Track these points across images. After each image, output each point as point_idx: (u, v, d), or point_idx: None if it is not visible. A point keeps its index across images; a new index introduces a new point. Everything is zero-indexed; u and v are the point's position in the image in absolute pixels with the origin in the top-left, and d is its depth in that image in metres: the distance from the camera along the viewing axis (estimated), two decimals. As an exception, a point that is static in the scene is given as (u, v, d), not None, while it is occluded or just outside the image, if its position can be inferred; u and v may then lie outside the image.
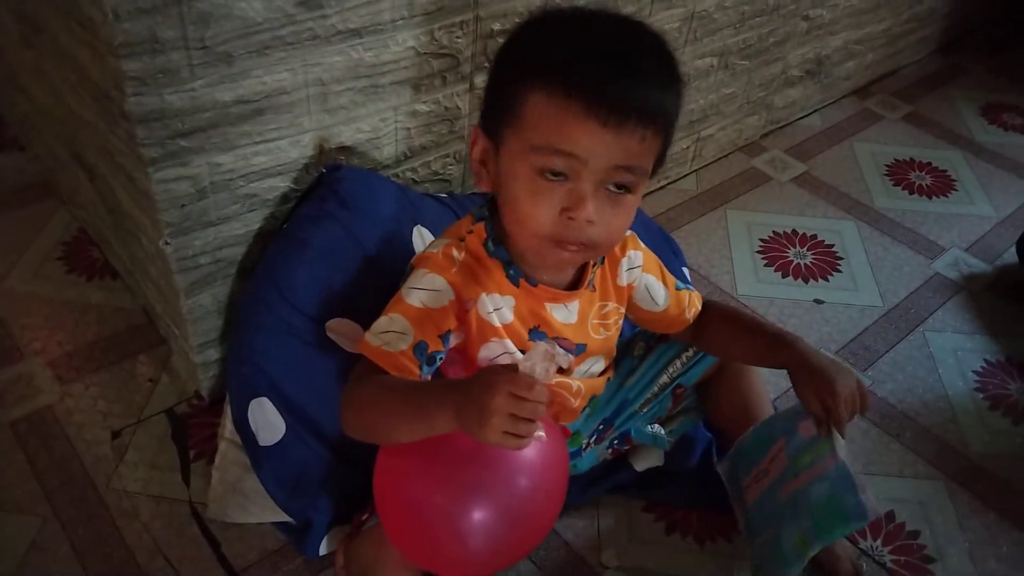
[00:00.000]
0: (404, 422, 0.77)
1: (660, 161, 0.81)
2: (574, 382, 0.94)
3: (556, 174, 0.75)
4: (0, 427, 1.11)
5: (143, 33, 0.82)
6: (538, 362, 0.69)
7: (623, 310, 0.97)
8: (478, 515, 0.77)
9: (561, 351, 0.70)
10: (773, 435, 0.98)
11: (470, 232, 0.87)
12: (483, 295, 0.85)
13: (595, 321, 0.93)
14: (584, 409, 1.00)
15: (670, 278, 0.99)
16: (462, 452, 0.78)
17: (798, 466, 0.93)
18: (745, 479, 1.01)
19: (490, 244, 0.86)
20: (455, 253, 0.86)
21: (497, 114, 0.79)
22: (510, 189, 0.79)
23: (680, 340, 1.04)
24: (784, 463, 0.95)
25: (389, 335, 0.82)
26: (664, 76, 0.77)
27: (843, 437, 0.90)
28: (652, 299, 0.97)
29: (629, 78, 0.73)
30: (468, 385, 0.72)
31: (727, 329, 0.99)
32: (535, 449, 0.80)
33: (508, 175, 0.79)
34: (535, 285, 0.87)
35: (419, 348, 0.82)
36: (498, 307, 0.86)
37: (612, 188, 0.77)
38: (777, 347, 0.93)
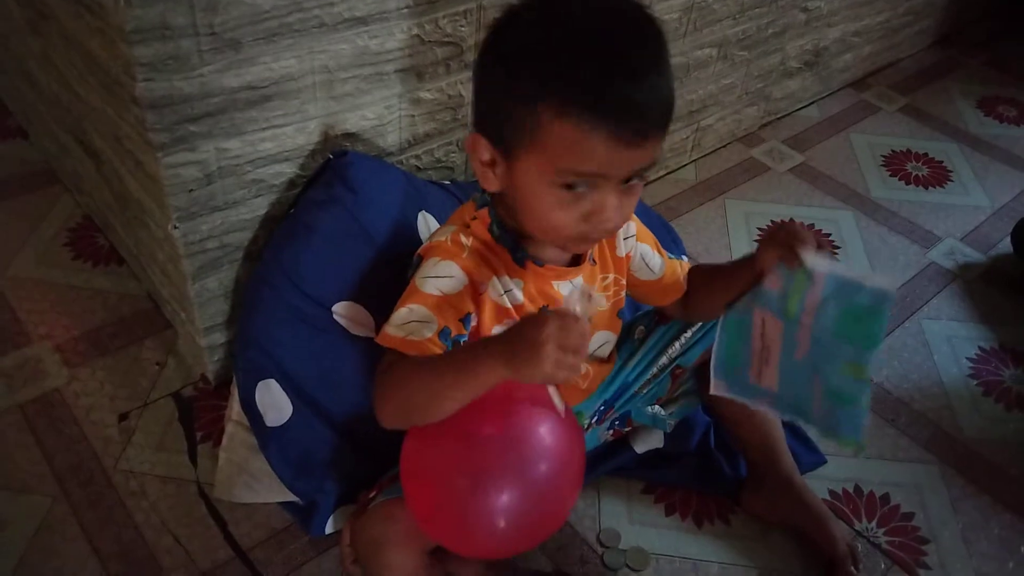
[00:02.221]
0: (447, 385, 0.77)
1: None
2: (582, 364, 0.96)
3: (578, 187, 0.77)
4: (9, 410, 1.13)
5: (154, 19, 0.83)
6: (576, 301, 0.73)
7: (623, 281, 0.99)
8: (506, 497, 0.78)
9: (595, 292, 0.75)
10: (744, 319, 0.93)
11: (474, 218, 0.89)
12: (494, 278, 0.87)
13: (599, 292, 0.95)
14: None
15: (662, 250, 1.01)
16: (490, 435, 0.79)
17: (792, 316, 0.88)
18: (750, 372, 0.94)
19: (495, 229, 0.87)
20: (463, 239, 0.87)
21: (506, 131, 0.78)
22: (530, 200, 0.80)
23: (674, 315, 1.06)
24: (779, 327, 0.90)
25: (412, 325, 0.83)
26: (668, 77, 0.77)
27: (812, 252, 0.85)
28: (649, 268, 0.99)
29: (645, 96, 0.74)
30: (513, 329, 0.74)
31: (703, 284, 1.01)
32: (559, 436, 0.81)
33: (526, 188, 0.79)
34: (541, 265, 0.89)
35: (443, 334, 0.82)
36: (508, 289, 0.88)
37: (624, 182, 0.79)
38: (739, 267, 0.93)
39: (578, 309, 0.72)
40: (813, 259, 0.85)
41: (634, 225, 0.98)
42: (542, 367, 0.71)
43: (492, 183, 0.83)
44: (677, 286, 1.01)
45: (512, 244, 0.87)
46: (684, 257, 1.03)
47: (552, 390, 0.80)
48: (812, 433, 0.90)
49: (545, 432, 0.81)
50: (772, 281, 0.88)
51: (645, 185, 0.85)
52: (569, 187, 0.77)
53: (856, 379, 0.86)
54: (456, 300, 0.84)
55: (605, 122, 0.72)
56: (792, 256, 0.85)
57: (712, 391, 0.95)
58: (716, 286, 0.98)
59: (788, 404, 0.93)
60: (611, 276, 0.97)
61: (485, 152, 0.81)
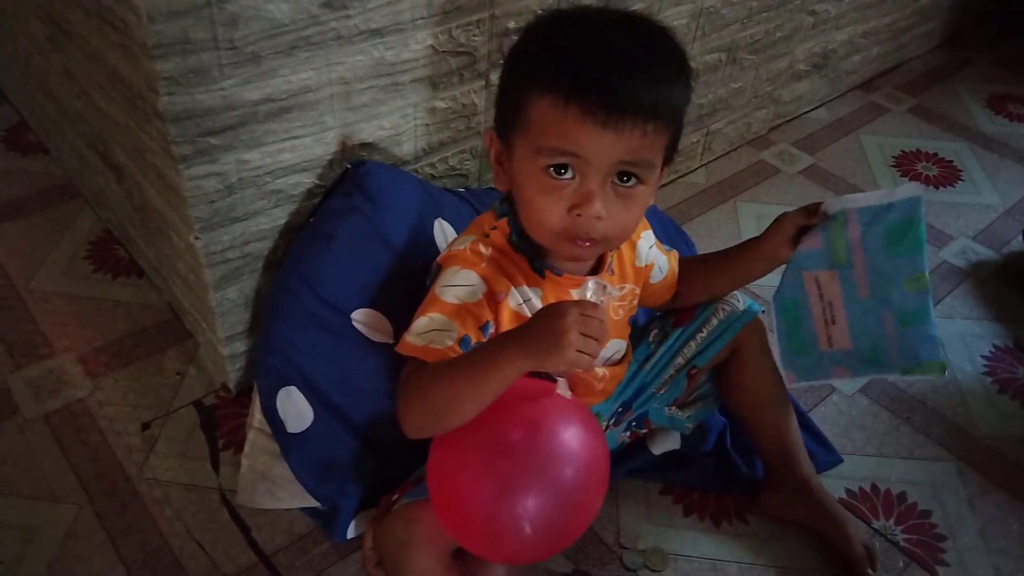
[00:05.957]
0: (468, 384, 0.77)
1: (671, 151, 0.84)
2: (599, 370, 0.97)
3: (563, 173, 0.79)
4: (35, 420, 1.15)
5: (176, 35, 0.85)
6: (593, 293, 0.77)
7: (638, 291, 1.00)
8: (533, 503, 0.78)
9: (608, 285, 0.78)
10: (795, 295, 0.95)
11: (494, 228, 0.90)
12: (512, 288, 0.88)
13: (616, 303, 0.97)
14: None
15: (661, 246, 1.04)
16: (516, 442, 0.80)
17: (842, 260, 0.91)
18: (818, 343, 0.95)
19: (514, 238, 0.89)
20: (482, 248, 0.88)
21: (506, 118, 0.83)
22: (523, 189, 0.83)
23: (664, 306, 1.08)
24: (835, 277, 0.92)
25: (432, 333, 0.84)
26: (663, 70, 0.79)
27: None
28: (660, 269, 1.02)
29: (624, 77, 0.76)
30: (533, 320, 0.77)
31: (701, 268, 1.05)
32: (585, 441, 0.82)
33: (520, 175, 0.83)
34: (560, 275, 0.90)
35: (464, 342, 0.84)
36: (527, 299, 0.89)
37: (619, 181, 0.80)
38: (745, 247, 0.99)
39: (594, 299, 0.75)
40: (831, 204, 0.90)
41: (651, 233, 0.99)
42: (565, 354, 0.72)
43: (503, 181, 0.87)
44: (675, 279, 1.04)
45: (531, 253, 0.88)
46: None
47: (563, 384, 0.82)
48: (895, 376, 0.96)
49: (570, 437, 0.82)
50: (812, 241, 0.92)
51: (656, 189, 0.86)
52: (555, 174, 0.79)
53: (920, 291, 0.89)
54: (475, 309, 0.85)
55: (578, 98, 0.75)
56: (810, 223, 0.91)
57: (787, 383, 1.00)
58: (714, 269, 1.03)
59: (864, 359, 0.94)
60: (628, 286, 0.98)
61: (496, 148, 0.86)
